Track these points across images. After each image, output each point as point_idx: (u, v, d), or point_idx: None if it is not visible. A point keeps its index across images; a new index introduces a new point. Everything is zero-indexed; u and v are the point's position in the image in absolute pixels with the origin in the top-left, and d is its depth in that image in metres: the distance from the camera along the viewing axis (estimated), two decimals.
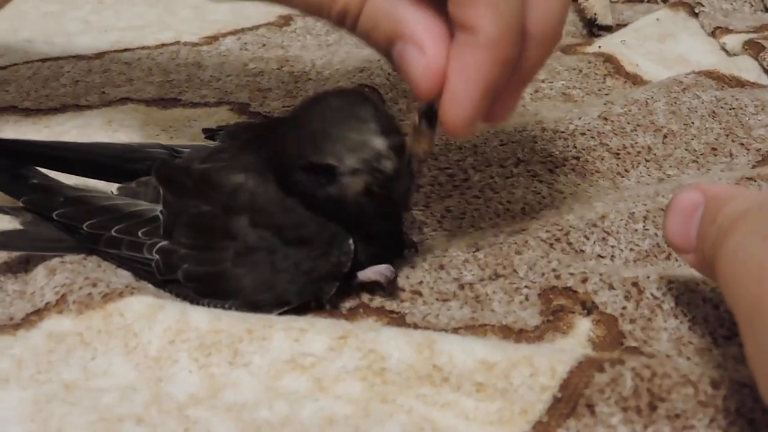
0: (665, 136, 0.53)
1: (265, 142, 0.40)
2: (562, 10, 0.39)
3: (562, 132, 0.53)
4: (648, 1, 0.75)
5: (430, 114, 0.38)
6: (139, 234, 0.40)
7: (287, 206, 0.39)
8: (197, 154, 0.42)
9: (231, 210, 0.39)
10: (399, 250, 0.43)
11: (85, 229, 0.41)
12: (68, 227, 0.41)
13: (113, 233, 0.41)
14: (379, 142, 0.37)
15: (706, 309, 0.39)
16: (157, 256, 0.40)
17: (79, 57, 0.65)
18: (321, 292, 0.39)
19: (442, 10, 0.37)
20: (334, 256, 0.39)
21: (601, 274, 0.41)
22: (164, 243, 0.40)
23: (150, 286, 0.40)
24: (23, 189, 0.43)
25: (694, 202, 0.36)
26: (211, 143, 0.44)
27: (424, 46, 0.37)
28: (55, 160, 0.44)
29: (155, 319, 0.37)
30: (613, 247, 0.44)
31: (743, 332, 0.30)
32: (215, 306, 0.39)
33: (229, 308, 0.39)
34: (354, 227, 0.39)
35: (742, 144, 0.53)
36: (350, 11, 0.38)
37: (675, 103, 0.55)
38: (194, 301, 0.40)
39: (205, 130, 0.45)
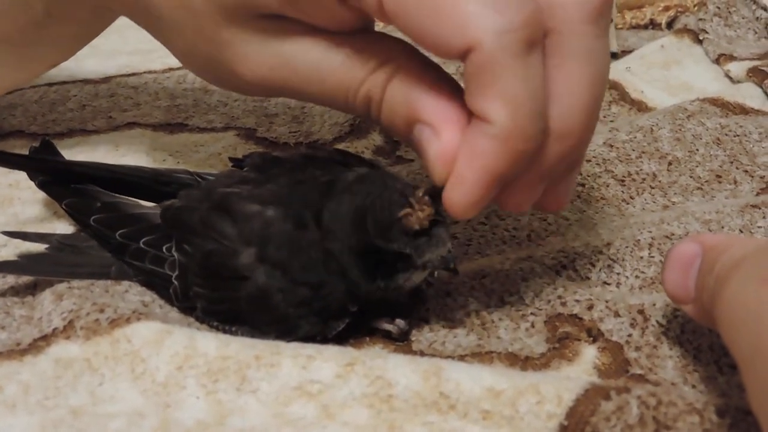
0: (670, 163, 0.53)
1: (302, 188, 0.40)
2: (587, 105, 0.37)
3: None
4: (653, 28, 0.75)
5: (434, 191, 0.37)
6: (163, 249, 0.41)
7: (299, 245, 0.39)
8: (220, 181, 0.43)
9: (239, 241, 0.39)
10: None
11: (117, 238, 0.42)
12: (101, 235, 0.43)
13: (141, 245, 0.41)
14: (448, 241, 0.37)
15: (712, 337, 0.39)
16: (175, 282, 0.40)
17: (86, 81, 0.66)
18: (328, 329, 0.39)
19: (461, 97, 0.36)
20: (342, 299, 0.39)
21: (606, 302, 0.41)
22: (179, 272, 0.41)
23: (158, 311, 0.40)
24: (65, 192, 0.45)
25: (692, 254, 0.36)
26: (236, 170, 0.44)
27: (440, 129, 0.36)
28: (93, 179, 0.45)
29: (163, 344, 0.37)
30: (618, 274, 0.44)
31: (745, 376, 0.30)
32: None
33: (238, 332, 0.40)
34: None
35: (746, 171, 0.53)
36: (373, 98, 0.38)
37: (680, 130, 0.56)
38: (210, 324, 0.40)
39: (231, 159, 0.45)
